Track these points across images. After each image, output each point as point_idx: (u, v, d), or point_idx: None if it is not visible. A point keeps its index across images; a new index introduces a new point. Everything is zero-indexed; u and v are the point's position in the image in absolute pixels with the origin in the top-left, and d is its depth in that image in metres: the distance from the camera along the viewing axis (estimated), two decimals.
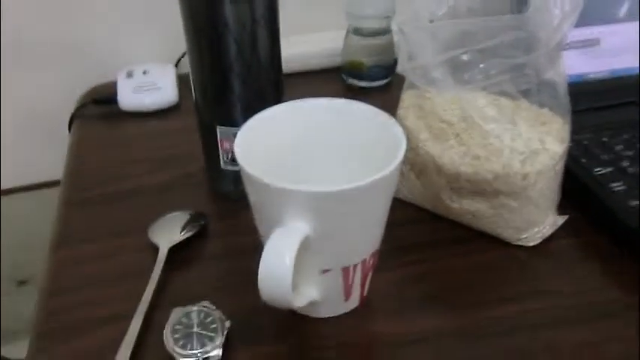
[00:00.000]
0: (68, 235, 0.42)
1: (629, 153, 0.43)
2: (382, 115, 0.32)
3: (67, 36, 0.61)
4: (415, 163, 0.39)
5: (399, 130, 0.30)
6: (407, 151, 0.39)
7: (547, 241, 0.39)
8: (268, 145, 0.32)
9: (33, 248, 0.71)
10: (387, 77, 0.60)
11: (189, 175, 0.47)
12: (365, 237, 0.30)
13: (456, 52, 0.31)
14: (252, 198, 0.29)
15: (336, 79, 0.62)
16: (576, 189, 0.41)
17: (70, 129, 0.57)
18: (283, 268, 0.25)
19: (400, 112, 0.40)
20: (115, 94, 0.56)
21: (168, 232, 0.39)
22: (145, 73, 0.59)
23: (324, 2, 0.64)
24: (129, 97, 0.56)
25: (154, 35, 0.63)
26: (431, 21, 0.31)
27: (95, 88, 0.61)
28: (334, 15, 0.60)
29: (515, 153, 0.35)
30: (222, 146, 0.41)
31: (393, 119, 0.31)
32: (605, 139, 0.45)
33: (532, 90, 0.33)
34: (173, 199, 0.44)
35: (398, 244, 0.39)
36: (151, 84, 0.57)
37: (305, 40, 0.64)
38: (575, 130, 0.46)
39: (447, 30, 0.31)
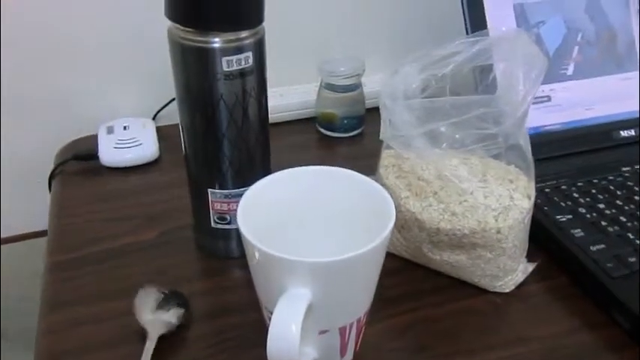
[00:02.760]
0: (59, 299, 0.42)
1: (585, 200, 0.48)
2: (371, 183, 0.34)
3: (46, 89, 0.62)
4: (397, 219, 0.42)
5: (388, 199, 0.33)
6: None
7: (520, 286, 0.42)
8: (264, 213, 0.34)
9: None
10: (358, 128, 0.64)
11: (175, 232, 0.48)
12: (361, 298, 0.32)
13: (434, 126, 0.35)
14: (255, 266, 0.31)
15: (311, 129, 0.65)
16: (542, 235, 0.45)
17: (50, 185, 0.57)
18: (291, 338, 0.27)
19: (380, 170, 0.43)
20: (96, 149, 0.57)
21: (157, 318, 0.38)
22: (125, 128, 0.60)
23: (298, 57, 0.67)
24: (110, 153, 0.57)
25: (132, 88, 0.65)
26: (407, 98, 0.35)
27: (74, 142, 0.62)
28: (307, 69, 0.64)
29: (489, 209, 0.38)
30: (213, 207, 0.42)
31: (382, 187, 0.34)
32: (563, 187, 0.50)
33: (501, 153, 0.37)
34: (161, 258, 0.45)
35: (383, 296, 0.41)
36: (132, 140, 0.58)
37: (281, 92, 0.67)
38: (536, 179, 0.51)
39: (423, 106, 0.34)
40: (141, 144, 0.58)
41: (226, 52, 0.36)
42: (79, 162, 0.58)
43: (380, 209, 0.32)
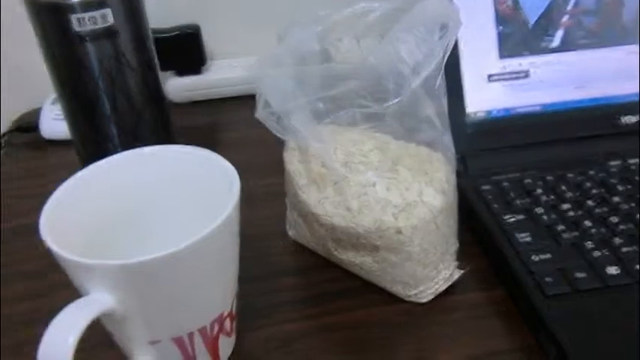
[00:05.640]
0: None
1: (549, 197, 0.40)
2: (219, 160, 0.29)
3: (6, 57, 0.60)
4: (297, 210, 0.36)
5: (235, 182, 0.27)
6: (291, 196, 0.36)
7: (446, 296, 0.36)
8: (94, 204, 0.29)
9: None
10: None
11: None
12: (194, 305, 0.27)
13: (307, 99, 0.28)
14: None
15: None
16: (484, 237, 0.38)
17: None
18: (64, 349, 0.22)
19: (286, 154, 0.37)
20: (38, 121, 0.55)
21: None
22: None
23: (260, 24, 0.61)
24: (51, 125, 0.55)
25: None
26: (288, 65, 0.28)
27: (27, 114, 0.60)
28: (272, 37, 0.58)
29: (389, 206, 0.31)
30: None
31: (230, 165, 0.28)
32: (527, 180, 0.42)
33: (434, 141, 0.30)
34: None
35: (281, 298, 0.37)
36: None
37: (240, 63, 0.62)
38: (497, 170, 0.43)
39: (292, 75, 0.28)
40: None
41: (81, 7, 0.31)
42: (23, 134, 0.56)
43: (227, 191, 0.27)
